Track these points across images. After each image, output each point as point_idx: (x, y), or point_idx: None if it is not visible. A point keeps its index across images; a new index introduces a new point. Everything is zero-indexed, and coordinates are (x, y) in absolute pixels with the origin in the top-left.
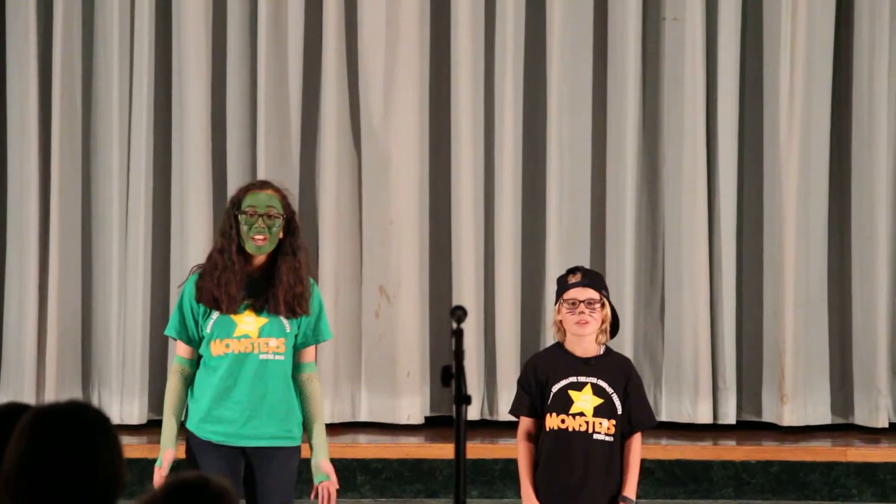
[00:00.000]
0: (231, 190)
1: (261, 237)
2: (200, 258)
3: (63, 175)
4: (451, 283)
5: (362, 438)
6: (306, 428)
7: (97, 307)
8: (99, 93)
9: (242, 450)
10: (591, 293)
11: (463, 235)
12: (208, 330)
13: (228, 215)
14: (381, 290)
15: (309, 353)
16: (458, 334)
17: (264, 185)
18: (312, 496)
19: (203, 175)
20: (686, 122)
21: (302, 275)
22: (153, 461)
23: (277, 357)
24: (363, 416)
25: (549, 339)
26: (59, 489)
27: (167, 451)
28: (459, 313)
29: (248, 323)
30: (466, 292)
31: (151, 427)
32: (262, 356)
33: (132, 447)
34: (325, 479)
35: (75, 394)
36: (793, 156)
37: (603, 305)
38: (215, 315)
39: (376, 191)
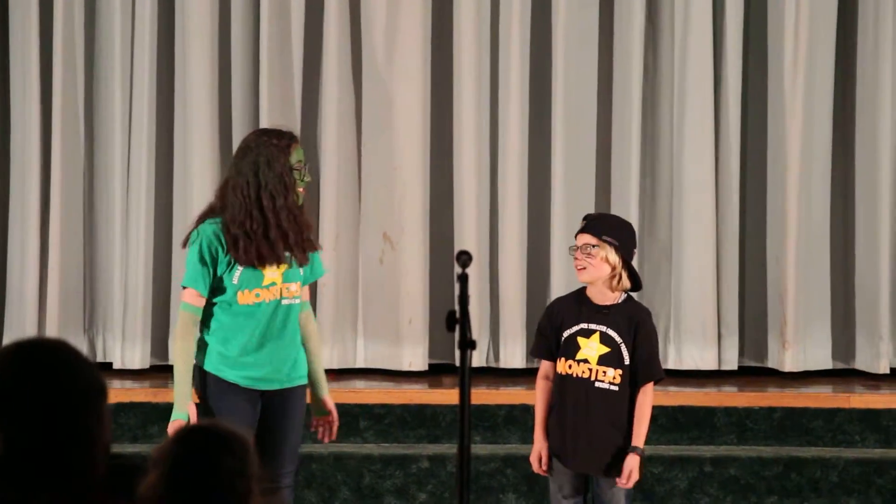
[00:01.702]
0: (236, 134)
1: (303, 189)
2: (204, 203)
3: (65, 121)
4: (454, 230)
5: (363, 384)
6: (308, 366)
7: (100, 253)
8: (101, 38)
9: (262, 392)
10: (588, 238)
11: (466, 181)
12: (235, 281)
13: (285, 170)
14: (385, 236)
15: (306, 292)
16: (464, 279)
17: (295, 136)
18: (312, 429)
19: (206, 118)
20: (691, 69)
21: (309, 219)
22: (156, 406)
23: (296, 301)
24: (364, 363)
25: (554, 286)
26: (29, 419)
27: (191, 406)
28: (465, 258)
29: (273, 270)
30: (469, 240)
31: (154, 372)
32: (284, 301)
33: (134, 391)
34: (327, 413)
35: (78, 339)
36: (797, 100)
37: (603, 251)
38: (241, 266)
39: (378, 135)
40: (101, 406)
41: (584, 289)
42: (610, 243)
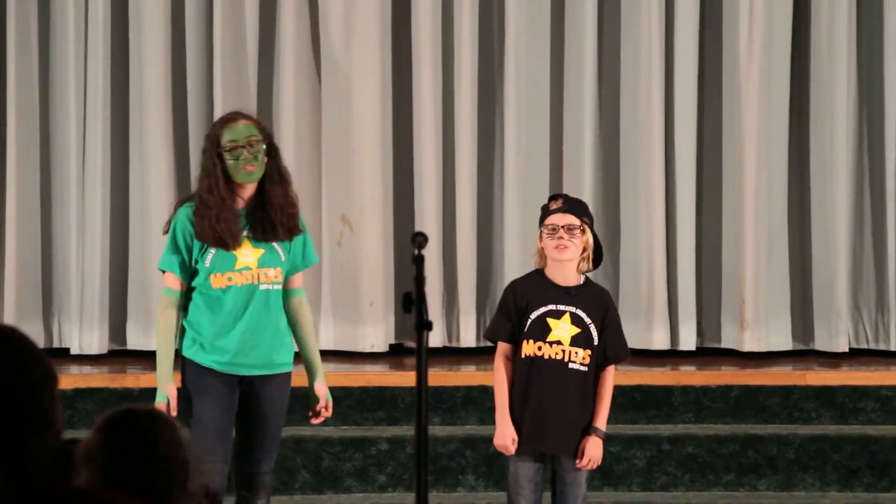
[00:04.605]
0: (192, 119)
1: (250, 166)
2: (160, 187)
3: (20, 106)
4: (414, 212)
5: (325, 367)
6: (300, 353)
7: (56, 238)
8: (55, 24)
9: (241, 378)
10: (571, 219)
11: (425, 165)
12: (207, 264)
13: (210, 155)
14: (343, 219)
15: (298, 279)
16: (419, 260)
17: (237, 115)
18: (310, 413)
19: (161, 105)
20: (642, 50)
21: (291, 197)
22: (113, 391)
23: (276, 286)
24: (326, 345)
25: (507, 267)
26: None
27: (171, 387)
28: (420, 239)
29: (247, 255)
30: (429, 222)
31: (111, 357)
32: (262, 286)
33: (92, 377)
34: (318, 400)
35: (36, 324)
36: (752, 82)
37: (584, 232)
38: (213, 249)
39: (337, 119)
40: (53, 391)
41: (540, 271)
42: (589, 225)
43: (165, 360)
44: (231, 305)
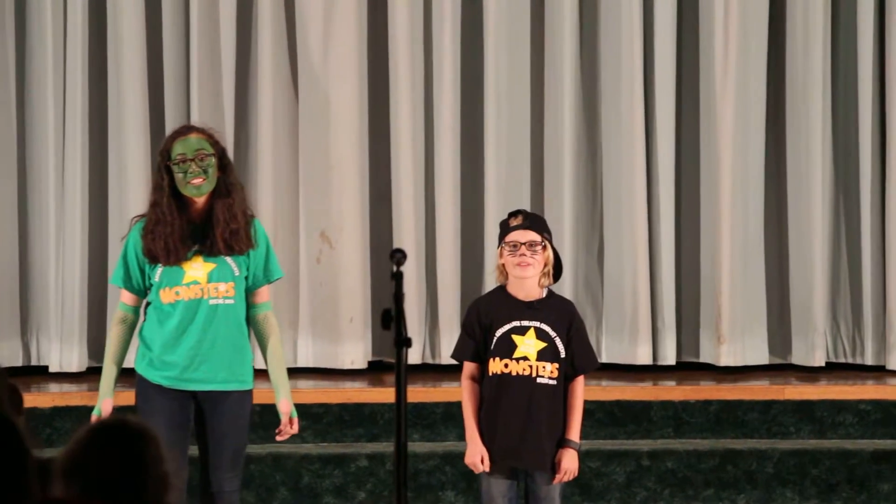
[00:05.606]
0: (169, 132)
1: (198, 180)
2: (139, 203)
3: None
4: (392, 228)
5: (304, 384)
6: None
7: (34, 254)
8: (33, 37)
9: (193, 394)
10: (533, 235)
11: (403, 180)
12: (157, 279)
13: (159, 168)
14: (322, 235)
15: (262, 294)
16: (398, 277)
17: (189, 129)
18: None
19: (139, 120)
20: (623, 64)
21: (235, 211)
22: (92, 409)
23: (227, 301)
24: (305, 362)
25: (490, 282)
26: None
27: (105, 401)
28: (399, 256)
29: (196, 269)
30: (408, 238)
31: (91, 374)
32: (212, 301)
33: (72, 395)
34: (281, 417)
35: (13, 342)
36: (728, 96)
37: (545, 248)
38: (161, 264)
39: (315, 134)
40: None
41: (502, 287)
42: (549, 240)
43: (105, 375)
44: (179, 320)
